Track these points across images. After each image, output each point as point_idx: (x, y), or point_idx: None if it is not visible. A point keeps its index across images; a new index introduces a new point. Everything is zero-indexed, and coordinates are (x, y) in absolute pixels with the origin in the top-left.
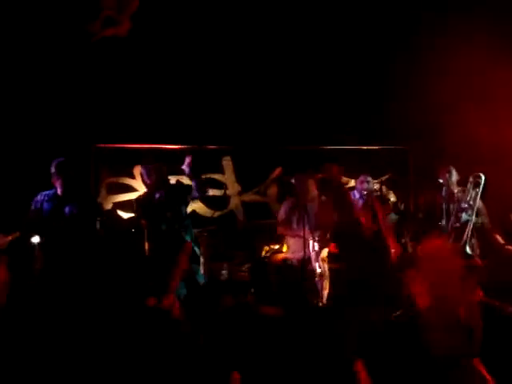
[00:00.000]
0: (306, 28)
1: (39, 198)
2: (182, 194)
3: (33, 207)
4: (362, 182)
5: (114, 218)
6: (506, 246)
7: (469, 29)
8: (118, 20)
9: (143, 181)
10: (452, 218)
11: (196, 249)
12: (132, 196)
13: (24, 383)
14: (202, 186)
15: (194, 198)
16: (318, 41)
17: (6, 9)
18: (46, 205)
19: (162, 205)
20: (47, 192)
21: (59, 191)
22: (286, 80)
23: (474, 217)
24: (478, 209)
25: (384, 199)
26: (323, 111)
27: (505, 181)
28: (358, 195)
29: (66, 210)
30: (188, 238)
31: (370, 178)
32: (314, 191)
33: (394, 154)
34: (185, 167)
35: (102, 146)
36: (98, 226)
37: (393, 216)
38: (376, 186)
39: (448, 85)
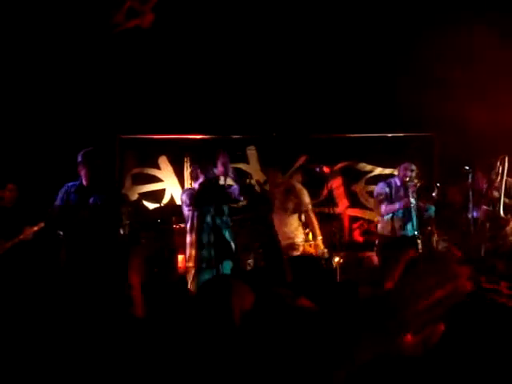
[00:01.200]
0: (328, 14)
1: (65, 189)
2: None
3: (59, 198)
4: (405, 169)
5: (140, 208)
6: None
7: (497, 16)
8: (141, 11)
9: (195, 176)
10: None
11: (232, 244)
12: (157, 187)
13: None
14: (246, 189)
15: (237, 201)
16: (341, 28)
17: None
18: (72, 196)
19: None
20: (72, 183)
21: (84, 181)
22: (310, 68)
23: (503, 194)
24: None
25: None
26: (348, 99)
27: None
28: (399, 183)
29: (91, 200)
30: (226, 234)
31: (414, 167)
32: (276, 180)
33: (419, 141)
34: (230, 174)
35: (127, 136)
36: (123, 216)
37: (432, 209)
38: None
39: (474, 72)
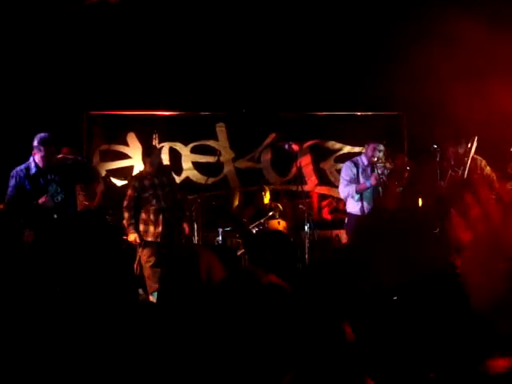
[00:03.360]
0: None
1: (17, 175)
2: None
3: (12, 186)
4: (373, 150)
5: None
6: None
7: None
8: None
9: None
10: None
11: None
12: (125, 163)
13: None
14: None
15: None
16: (313, 6)
17: None
18: (25, 181)
19: None
20: (22, 167)
21: (41, 164)
22: (280, 46)
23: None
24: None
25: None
26: (318, 77)
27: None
28: (366, 162)
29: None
30: None
31: (382, 147)
32: None
33: (388, 119)
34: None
35: (95, 113)
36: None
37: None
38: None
39: (443, 51)
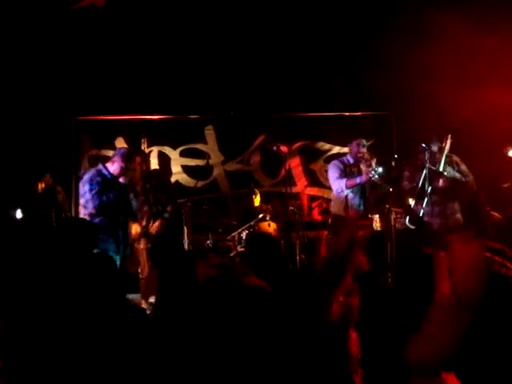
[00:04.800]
0: None
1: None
2: None
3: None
4: (357, 145)
5: None
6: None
7: None
8: None
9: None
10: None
11: None
12: None
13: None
14: None
15: None
16: (300, 8)
17: None
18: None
19: None
20: (95, 173)
21: (121, 177)
22: (268, 47)
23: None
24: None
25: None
26: (305, 78)
27: (483, 145)
28: (352, 160)
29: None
30: None
31: (365, 142)
32: None
33: (377, 119)
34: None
35: (83, 118)
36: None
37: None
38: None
39: (431, 51)
